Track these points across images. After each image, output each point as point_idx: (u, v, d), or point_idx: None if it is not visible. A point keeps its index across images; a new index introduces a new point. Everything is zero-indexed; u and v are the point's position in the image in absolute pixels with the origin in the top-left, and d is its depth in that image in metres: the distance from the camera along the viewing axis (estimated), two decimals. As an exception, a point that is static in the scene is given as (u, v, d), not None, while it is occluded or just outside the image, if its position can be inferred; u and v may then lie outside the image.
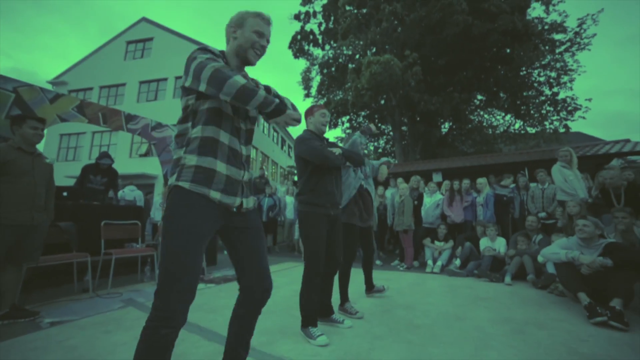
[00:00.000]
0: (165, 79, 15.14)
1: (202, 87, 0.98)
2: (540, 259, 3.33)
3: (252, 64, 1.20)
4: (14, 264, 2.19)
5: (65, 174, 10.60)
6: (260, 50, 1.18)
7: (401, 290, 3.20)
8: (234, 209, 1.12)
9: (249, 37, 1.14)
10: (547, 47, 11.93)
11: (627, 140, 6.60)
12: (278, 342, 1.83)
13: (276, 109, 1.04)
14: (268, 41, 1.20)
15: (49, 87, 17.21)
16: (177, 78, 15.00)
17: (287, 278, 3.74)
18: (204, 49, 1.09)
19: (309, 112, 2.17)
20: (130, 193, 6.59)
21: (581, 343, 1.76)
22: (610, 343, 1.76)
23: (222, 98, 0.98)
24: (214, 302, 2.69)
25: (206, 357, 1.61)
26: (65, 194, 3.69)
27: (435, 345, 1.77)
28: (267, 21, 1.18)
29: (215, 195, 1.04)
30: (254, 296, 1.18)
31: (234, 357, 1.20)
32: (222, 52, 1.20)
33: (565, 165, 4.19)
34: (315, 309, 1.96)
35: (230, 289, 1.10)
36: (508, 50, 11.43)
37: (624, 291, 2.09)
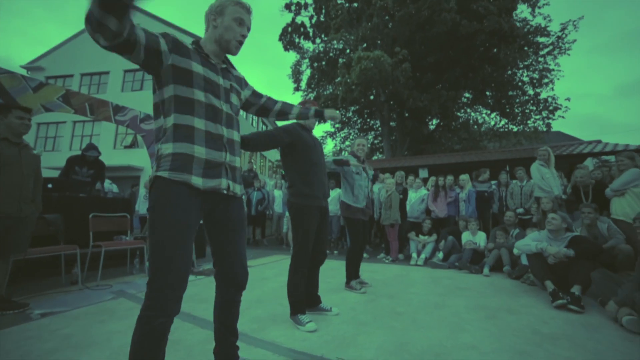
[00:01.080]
0: (151, 68, 14.72)
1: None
2: (515, 251, 3.56)
3: (233, 54, 1.22)
4: (1, 256, 2.19)
5: (44, 165, 10.24)
6: (241, 40, 1.19)
7: (386, 281, 3.35)
8: (223, 191, 1.13)
9: (230, 25, 1.15)
10: (531, 49, 12.33)
11: (599, 141, 7.00)
12: (269, 328, 1.93)
13: None
14: (249, 29, 1.21)
15: (23, 72, 16.33)
16: (164, 67, 14.62)
17: (275, 270, 3.83)
18: (158, 32, 1.05)
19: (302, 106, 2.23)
20: (107, 187, 6.48)
21: (544, 324, 1.95)
22: (567, 323, 1.97)
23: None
24: (204, 292, 2.76)
25: (200, 343, 1.69)
26: (49, 185, 3.63)
27: (415, 329, 1.91)
28: (247, 9, 1.19)
29: (197, 181, 1.04)
30: (230, 285, 1.23)
31: (224, 343, 1.28)
32: (195, 39, 1.20)
33: (543, 164, 4.43)
34: (302, 297, 2.06)
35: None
36: (495, 50, 11.73)
37: (582, 279, 2.31)
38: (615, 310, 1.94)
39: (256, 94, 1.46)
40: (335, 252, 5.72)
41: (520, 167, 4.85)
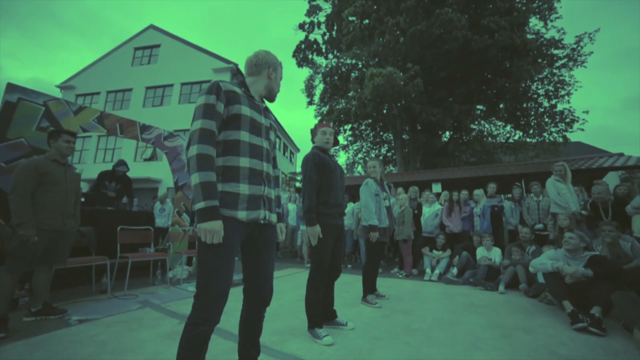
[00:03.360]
0: (171, 85, 15.50)
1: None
2: (531, 269, 3.50)
3: (273, 101, 1.52)
4: (47, 265, 2.40)
5: (72, 177, 10.83)
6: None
7: (400, 296, 3.38)
8: (260, 221, 1.27)
9: (279, 82, 1.50)
10: (545, 61, 12.24)
11: (622, 154, 6.80)
12: (288, 341, 2.02)
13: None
14: None
15: (57, 91, 17.57)
16: (183, 84, 15.37)
17: (291, 283, 3.93)
18: (213, 90, 1.21)
19: (313, 132, 2.41)
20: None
21: (561, 346, 1.95)
22: (587, 346, 1.95)
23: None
24: (227, 306, 2.88)
25: (224, 353, 1.80)
26: (82, 199, 3.91)
27: (430, 346, 1.96)
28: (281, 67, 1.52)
29: (242, 215, 1.20)
30: (256, 301, 1.36)
31: (247, 356, 1.39)
32: (242, 80, 1.42)
33: (559, 179, 4.38)
34: (320, 312, 2.15)
35: (238, 292, 1.29)
36: (507, 65, 11.73)
37: (602, 300, 2.28)
38: (640, 335, 1.91)
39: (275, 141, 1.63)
40: (349, 266, 5.75)
41: (535, 182, 4.81)
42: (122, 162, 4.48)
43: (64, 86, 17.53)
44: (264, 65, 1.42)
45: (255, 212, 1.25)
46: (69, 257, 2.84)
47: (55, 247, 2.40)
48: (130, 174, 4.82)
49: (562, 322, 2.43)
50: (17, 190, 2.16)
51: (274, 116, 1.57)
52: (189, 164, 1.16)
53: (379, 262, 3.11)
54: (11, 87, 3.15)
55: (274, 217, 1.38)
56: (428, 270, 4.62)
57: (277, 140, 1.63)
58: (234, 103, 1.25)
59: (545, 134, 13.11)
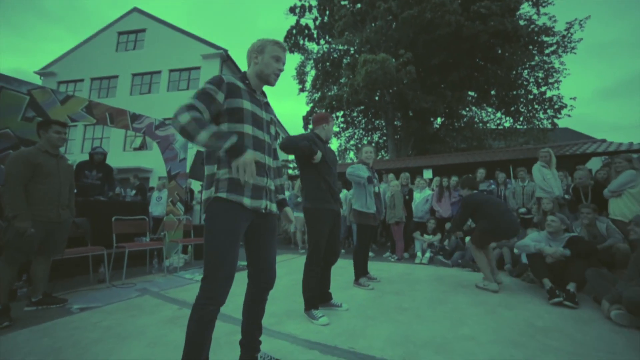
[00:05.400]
0: (159, 72, 15.00)
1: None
2: (515, 250, 3.69)
3: (271, 84, 1.43)
4: (44, 256, 2.42)
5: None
6: (278, 73, 1.41)
7: (392, 279, 3.53)
8: (262, 210, 1.33)
9: (269, 62, 1.36)
10: (535, 48, 12.31)
11: (604, 140, 7.05)
12: (285, 322, 2.12)
13: (231, 147, 1.12)
14: (284, 63, 1.43)
15: (37, 77, 16.82)
16: (171, 71, 14.90)
17: (286, 269, 4.04)
18: (215, 81, 1.25)
19: (324, 120, 2.41)
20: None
21: (538, 319, 2.11)
22: (560, 318, 2.13)
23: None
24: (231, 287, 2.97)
25: (225, 334, 1.89)
26: (75, 190, 3.88)
27: (419, 323, 2.09)
28: (283, 48, 1.41)
29: (247, 201, 1.26)
30: (260, 284, 1.43)
31: (250, 336, 1.47)
32: (243, 73, 1.43)
33: (544, 165, 4.54)
34: (316, 294, 2.25)
35: (237, 278, 1.36)
36: (499, 51, 11.76)
37: (577, 277, 2.46)
38: (608, 308, 2.09)
39: (277, 136, 1.61)
40: (343, 251, 5.91)
41: (522, 168, 4.97)
42: (97, 147, 4.48)
43: (44, 72, 16.67)
44: (251, 54, 1.40)
45: (258, 202, 1.31)
46: (66, 248, 2.86)
47: (52, 238, 2.41)
48: (120, 164, 4.81)
49: (542, 298, 2.60)
50: (9, 183, 2.15)
51: (273, 111, 1.54)
52: (185, 130, 1.11)
53: (369, 246, 3.22)
54: (-8, 76, 3.05)
55: (274, 207, 1.43)
56: (419, 253, 4.79)
57: (278, 133, 1.63)
58: (235, 96, 1.27)
59: (535, 121, 13.36)
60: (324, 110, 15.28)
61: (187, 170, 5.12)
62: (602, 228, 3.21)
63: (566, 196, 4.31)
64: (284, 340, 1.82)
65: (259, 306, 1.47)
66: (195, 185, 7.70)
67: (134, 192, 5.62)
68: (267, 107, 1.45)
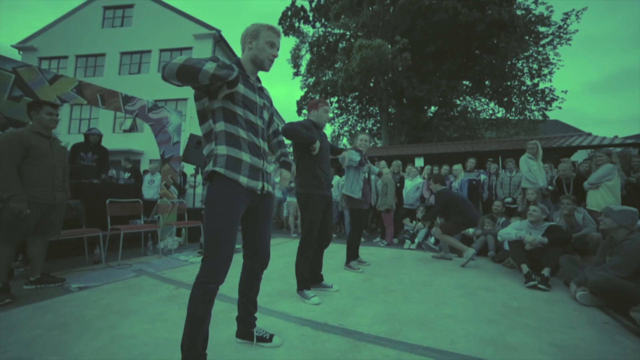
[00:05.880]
0: (149, 51, 14.47)
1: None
2: (498, 238, 3.88)
3: (266, 70, 1.43)
4: (40, 237, 2.46)
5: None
6: (272, 59, 1.41)
7: (381, 262, 3.68)
8: (258, 192, 1.37)
9: (263, 47, 1.37)
10: (531, 39, 12.31)
11: (590, 134, 7.26)
12: (279, 302, 2.24)
13: (234, 80, 1.20)
14: (278, 49, 1.43)
15: (15, 52, 15.92)
16: (162, 51, 14.39)
17: (279, 252, 4.16)
18: (211, 57, 1.26)
19: (314, 106, 2.47)
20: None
21: (513, 300, 2.29)
22: (533, 299, 2.32)
23: (174, 84, 1.17)
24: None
25: (221, 312, 1.99)
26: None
27: (405, 303, 2.24)
28: (277, 33, 1.41)
29: (243, 180, 1.29)
30: (255, 263, 1.51)
31: (245, 312, 1.58)
32: (237, 59, 1.44)
33: (531, 156, 4.69)
34: (308, 275, 2.37)
35: (233, 260, 1.44)
36: (495, 41, 11.72)
37: (552, 262, 2.64)
38: (574, 290, 2.28)
39: (271, 120, 1.64)
40: (334, 235, 6.06)
41: (510, 159, 5.13)
42: (93, 128, 4.43)
43: (23, 47, 15.74)
44: (245, 39, 1.40)
45: (254, 182, 1.35)
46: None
47: (48, 220, 2.44)
48: (110, 146, 4.74)
49: (519, 281, 2.79)
50: (1, 163, 2.14)
51: (268, 96, 1.55)
52: (186, 66, 1.10)
53: (362, 231, 3.36)
54: (-23, 53, 2.94)
55: (270, 188, 1.47)
56: (408, 240, 4.97)
57: (273, 119, 1.65)
58: None
59: (526, 112, 13.55)
60: (317, 96, 15.14)
61: (181, 154, 5.09)
62: (579, 218, 3.40)
63: (550, 187, 4.49)
64: (278, 318, 1.93)
65: (253, 284, 1.56)
66: (188, 169, 7.67)
67: (127, 174, 5.58)
68: (260, 91, 1.46)
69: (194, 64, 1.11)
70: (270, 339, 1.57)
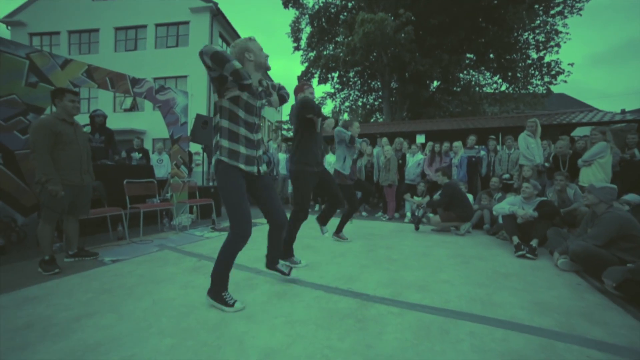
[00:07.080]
0: (145, 26, 14.00)
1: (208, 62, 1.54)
2: (494, 212, 4.12)
3: (269, 69, 1.85)
4: (73, 216, 2.69)
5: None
6: (267, 57, 1.82)
7: (383, 235, 3.96)
8: (255, 173, 1.79)
9: (259, 54, 1.78)
10: (541, 8, 11.82)
11: (592, 109, 7.27)
12: (292, 272, 2.50)
13: (247, 85, 1.62)
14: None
15: (2, 27, 15.26)
16: (158, 26, 13.93)
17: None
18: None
19: (300, 89, 2.69)
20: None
21: (503, 267, 2.56)
22: (520, 266, 2.59)
23: (205, 62, 1.54)
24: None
25: (243, 280, 2.26)
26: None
27: (405, 270, 2.51)
28: (254, 38, 1.81)
29: (242, 165, 1.72)
30: (277, 225, 1.98)
31: (273, 259, 2.17)
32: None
33: (530, 134, 4.82)
34: (292, 243, 2.63)
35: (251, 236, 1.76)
36: (502, 11, 11.28)
37: (540, 234, 2.89)
38: (557, 257, 2.54)
39: (271, 87, 1.98)
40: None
41: (509, 136, 5.25)
42: (98, 110, 4.56)
43: (11, 21, 15.04)
44: (241, 56, 1.73)
45: (251, 167, 1.78)
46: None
47: (79, 200, 2.66)
48: (111, 126, 4.82)
49: (510, 252, 3.06)
50: (37, 150, 2.32)
51: (271, 83, 1.94)
52: (220, 53, 1.51)
53: (343, 204, 3.28)
54: (-10, 38, 3.01)
55: (264, 167, 1.88)
56: (408, 213, 5.23)
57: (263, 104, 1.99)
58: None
59: (529, 87, 13.33)
60: (318, 71, 14.83)
61: (189, 134, 5.23)
62: (571, 194, 3.61)
63: (546, 164, 4.66)
64: (293, 284, 2.20)
65: (278, 239, 2.11)
66: (193, 147, 7.81)
67: (139, 155, 5.73)
68: (261, 94, 1.84)
69: (227, 55, 1.53)
70: (289, 273, 2.20)
